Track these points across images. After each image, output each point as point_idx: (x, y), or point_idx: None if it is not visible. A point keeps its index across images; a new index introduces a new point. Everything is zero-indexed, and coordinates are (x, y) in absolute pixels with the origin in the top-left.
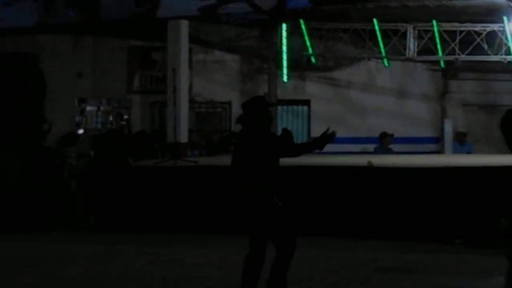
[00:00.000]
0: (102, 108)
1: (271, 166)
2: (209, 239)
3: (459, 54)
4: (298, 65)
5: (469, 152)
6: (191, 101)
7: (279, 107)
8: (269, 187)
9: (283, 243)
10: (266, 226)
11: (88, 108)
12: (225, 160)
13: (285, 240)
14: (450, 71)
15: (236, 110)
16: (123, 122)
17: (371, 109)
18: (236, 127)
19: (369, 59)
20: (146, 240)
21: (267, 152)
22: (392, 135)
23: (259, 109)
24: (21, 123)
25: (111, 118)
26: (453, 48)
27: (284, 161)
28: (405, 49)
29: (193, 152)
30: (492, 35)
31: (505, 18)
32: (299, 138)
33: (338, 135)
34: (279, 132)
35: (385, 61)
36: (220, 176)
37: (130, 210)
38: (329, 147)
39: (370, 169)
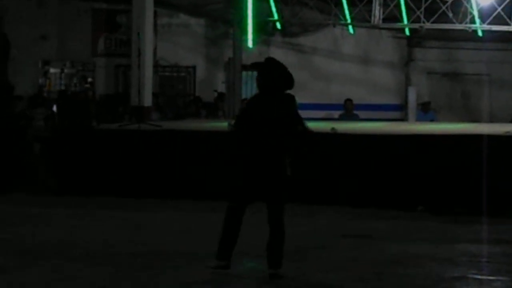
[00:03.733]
0: (66, 70)
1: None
2: (172, 204)
3: (424, 22)
4: (264, 30)
5: (432, 120)
6: (156, 65)
7: (244, 73)
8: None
9: (280, 209)
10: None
11: (52, 70)
12: (189, 124)
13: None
14: (415, 39)
15: (201, 74)
16: (87, 85)
17: (335, 75)
18: (200, 92)
19: (334, 26)
20: (108, 204)
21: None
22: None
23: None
24: None
25: (75, 81)
26: (418, 16)
27: None
28: (370, 16)
29: (158, 115)
30: (457, 4)
31: None
32: None
33: (303, 101)
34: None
35: (350, 28)
36: (184, 140)
37: (92, 174)
38: None
39: (333, 136)
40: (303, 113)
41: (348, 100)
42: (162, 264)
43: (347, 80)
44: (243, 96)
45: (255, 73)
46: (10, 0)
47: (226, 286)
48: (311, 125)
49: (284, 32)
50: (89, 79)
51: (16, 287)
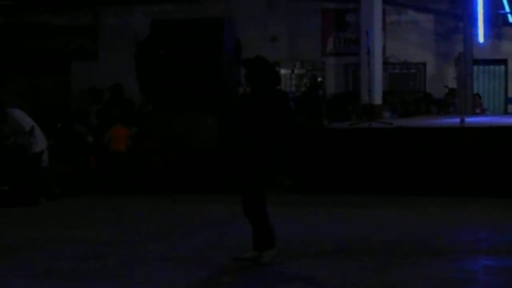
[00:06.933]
0: (296, 71)
1: None
2: (402, 200)
3: None
4: (494, 24)
5: None
6: (385, 63)
7: (475, 67)
8: None
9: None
10: None
11: (282, 71)
12: (420, 121)
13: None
14: None
15: (431, 70)
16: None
17: None
18: (431, 88)
19: None
20: (340, 202)
21: None
22: None
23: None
24: (217, 87)
25: (305, 81)
26: None
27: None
28: None
29: (388, 113)
30: None
31: None
32: (496, 98)
33: None
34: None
35: None
36: (416, 138)
37: (324, 172)
38: None
39: None
40: None
41: None
42: (399, 259)
43: None
44: (475, 91)
45: (486, 67)
46: (241, 2)
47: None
48: None
49: None
50: (319, 79)
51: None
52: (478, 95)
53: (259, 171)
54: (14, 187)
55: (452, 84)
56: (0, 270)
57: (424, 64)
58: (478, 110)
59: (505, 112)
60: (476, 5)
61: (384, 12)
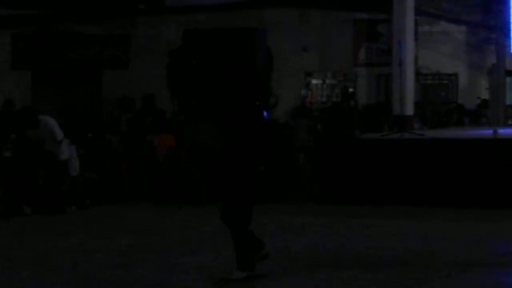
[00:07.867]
0: (327, 81)
1: None
2: (433, 212)
3: None
4: None
5: None
6: (417, 73)
7: (508, 79)
8: None
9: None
10: None
11: (314, 81)
12: (452, 132)
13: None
14: None
15: (463, 81)
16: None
17: None
18: (463, 99)
19: None
20: (370, 213)
21: None
22: None
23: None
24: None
25: (336, 91)
26: None
27: None
28: None
29: (419, 124)
30: None
31: None
32: None
33: None
34: None
35: None
36: (447, 149)
37: (355, 183)
38: None
39: None
40: None
41: None
42: (430, 272)
43: None
44: (508, 103)
45: None
46: (273, 13)
47: None
48: None
49: None
50: (351, 89)
51: None
52: (510, 106)
53: (236, 184)
54: (44, 195)
55: (485, 95)
56: (30, 279)
57: (456, 75)
58: (510, 121)
59: None
60: (509, 16)
61: (416, 23)
